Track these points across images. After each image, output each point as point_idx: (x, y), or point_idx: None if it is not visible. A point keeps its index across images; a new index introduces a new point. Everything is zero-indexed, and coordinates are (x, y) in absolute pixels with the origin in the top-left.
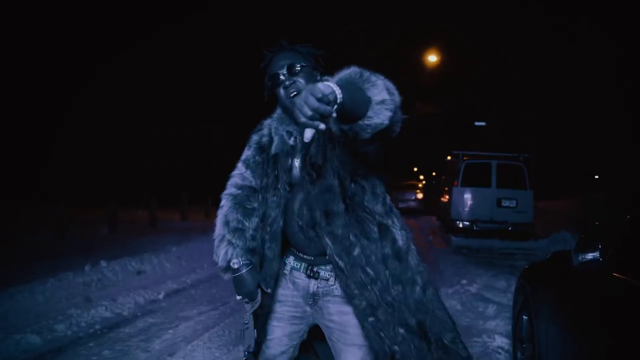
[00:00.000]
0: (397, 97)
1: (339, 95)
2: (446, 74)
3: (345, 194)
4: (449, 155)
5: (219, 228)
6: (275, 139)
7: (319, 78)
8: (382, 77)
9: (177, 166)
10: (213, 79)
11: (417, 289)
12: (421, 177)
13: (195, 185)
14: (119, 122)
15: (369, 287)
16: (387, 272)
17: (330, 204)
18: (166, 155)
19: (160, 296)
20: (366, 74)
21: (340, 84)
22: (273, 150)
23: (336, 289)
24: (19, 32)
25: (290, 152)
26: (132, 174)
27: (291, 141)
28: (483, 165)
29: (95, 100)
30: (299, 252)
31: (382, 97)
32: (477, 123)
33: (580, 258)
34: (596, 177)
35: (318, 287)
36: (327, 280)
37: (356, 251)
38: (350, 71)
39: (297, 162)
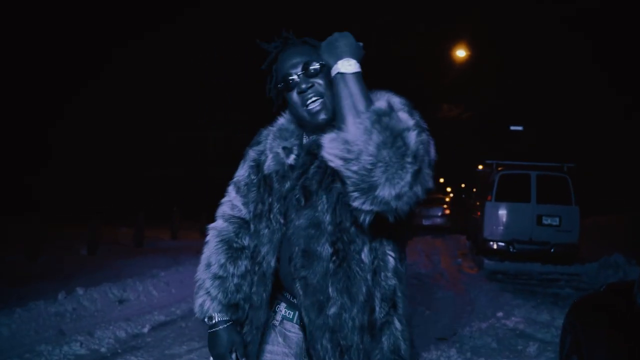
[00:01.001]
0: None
1: None
2: (477, 72)
3: (337, 237)
4: (481, 164)
5: (200, 270)
6: (269, 157)
7: None
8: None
9: (169, 175)
10: (211, 83)
11: None
12: (448, 189)
13: (189, 197)
14: (104, 127)
15: None
16: (361, 347)
17: (313, 243)
18: (157, 163)
19: (145, 330)
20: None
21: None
22: (266, 170)
23: None
24: (7, 37)
25: (288, 174)
26: (118, 185)
27: (290, 160)
28: (520, 177)
29: (80, 105)
30: (293, 298)
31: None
32: (512, 127)
33: None
34: None
35: None
36: None
37: (332, 310)
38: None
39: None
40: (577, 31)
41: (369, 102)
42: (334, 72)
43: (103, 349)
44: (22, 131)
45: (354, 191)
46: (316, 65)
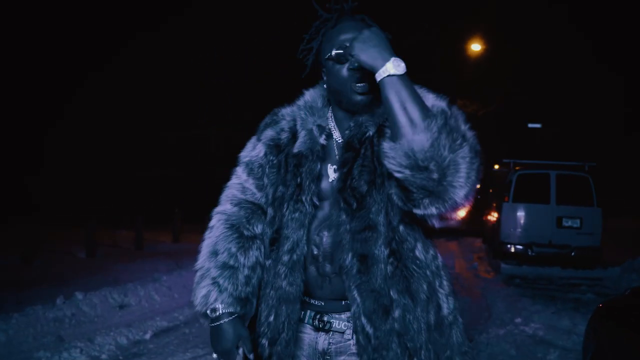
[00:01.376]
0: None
1: None
2: (492, 66)
3: (391, 237)
4: (497, 163)
5: (203, 258)
6: (302, 134)
7: None
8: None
9: (169, 176)
10: (211, 82)
11: None
12: None
13: (190, 198)
14: (102, 127)
15: None
16: (430, 347)
17: (370, 246)
18: (157, 163)
19: (147, 336)
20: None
21: None
22: (297, 148)
23: (354, 344)
24: (5, 38)
25: (320, 154)
26: (116, 186)
27: (322, 139)
28: (539, 177)
29: (78, 105)
30: (304, 295)
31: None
32: (531, 125)
33: None
34: None
35: (330, 342)
36: (343, 333)
37: (396, 313)
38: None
39: (329, 170)
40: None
41: (424, 104)
42: (381, 75)
43: (104, 356)
44: (18, 132)
45: (424, 198)
46: None
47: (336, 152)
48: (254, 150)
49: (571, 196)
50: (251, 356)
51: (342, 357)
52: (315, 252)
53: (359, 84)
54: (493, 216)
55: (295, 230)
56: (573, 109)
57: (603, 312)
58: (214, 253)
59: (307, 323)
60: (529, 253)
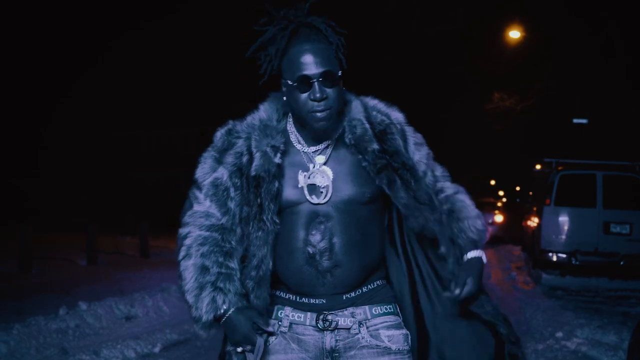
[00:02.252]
0: None
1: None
2: (533, 54)
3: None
4: (539, 163)
5: (193, 277)
6: (257, 156)
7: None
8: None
9: (175, 178)
10: (216, 74)
11: None
12: (500, 193)
13: None
14: (99, 125)
15: None
16: None
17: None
18: (161, 165)
19: (156, 349)
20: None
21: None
22: (253, 170)
23: (363, 337)
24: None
25: (277, 173)
26: (118, 190)
27: (277, 159)
28: (585, 178)
29: (75, 105)
30: (301, 298)
31: None
32: (576, 120)
33: None
34: None
35: (337, 340)
36: (349, 329)
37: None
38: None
39: (299, 176)
40: None
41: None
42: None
43: None
44: (12, 133)
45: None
46: (336, 77)
47: (304, 158)
48: (215, 172)
49: (620, 199)
50: (270, 329)
51: (352, 352)
52: (311, 252)
53: (317, 113)
54: (533, 221)
55: (260, 247)
56: (624, 104)
57: None
58: (204, 269)
59: (311, 324)
60: (573, 262)
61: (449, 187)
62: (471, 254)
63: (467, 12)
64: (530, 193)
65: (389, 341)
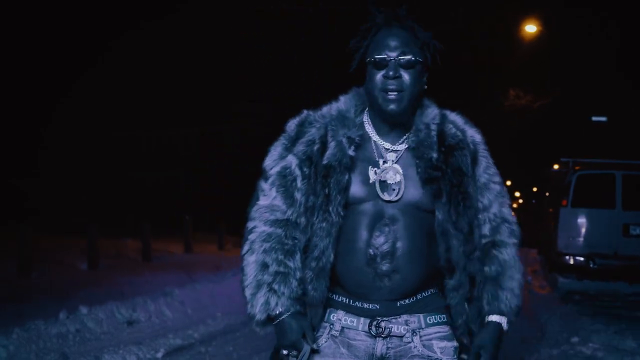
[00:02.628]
0: None
1: None
2: (551, 52)
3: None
4: (556, 163)
5: (252, 274)
6: (331, 145)
7: (425, 87)
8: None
9: (175, 178)
10: (216, 74)
11: None
12: (517, 194)
13: (201, 205)
14: (100, 126)
15: None
16: None
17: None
18: (161, 165)
19: (159, 355)
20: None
21: None
22: (325, 159)
23: (415, 346)
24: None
25: (348, 165)
26: (118, 190)
27: (351, 151)
28: (603, 178)
29: (75, 106)
30: (355, 301)
31: None
32: (594, 118)
33: None
34: None
35: (388, 347)
36: (402, 337)
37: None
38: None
39: (370, 172)
40: None
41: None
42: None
43: None
44: (12, 133)
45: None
46: (412, 59)
47: (375, 154)
48: (283, 161)
49: None
50: (314, 345)
51: None
52: (372, 253)
53: (389, 93)
54: (550, 223)
55: (323, 238)
56: None
57: None
58: (264, 265)
59: (363, 330)
60: (591, 265)
61: (503, 233)
62: (492, 318)
63: (467, 12)
64: (547, 194)
65: (441, 353)
